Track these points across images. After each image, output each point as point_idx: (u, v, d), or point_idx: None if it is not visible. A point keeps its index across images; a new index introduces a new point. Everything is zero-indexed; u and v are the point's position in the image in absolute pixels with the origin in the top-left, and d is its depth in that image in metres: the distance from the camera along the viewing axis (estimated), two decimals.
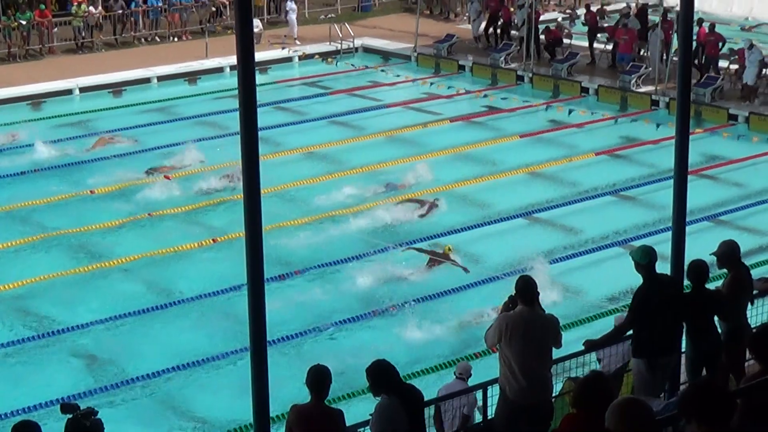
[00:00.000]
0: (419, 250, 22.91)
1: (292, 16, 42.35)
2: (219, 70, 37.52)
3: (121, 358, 18.72)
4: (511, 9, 40.60)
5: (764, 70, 32.94)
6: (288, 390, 12.60)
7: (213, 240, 23.38)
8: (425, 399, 10.87)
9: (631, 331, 12.41)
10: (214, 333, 19.49)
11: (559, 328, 11.59)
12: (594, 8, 39.83)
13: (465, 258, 22.64)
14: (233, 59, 9.15)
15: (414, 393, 10.42)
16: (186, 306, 20.50)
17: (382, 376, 10.18)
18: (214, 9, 43.91)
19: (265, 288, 9.35)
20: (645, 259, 12.13)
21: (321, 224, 24.45)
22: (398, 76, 38.03)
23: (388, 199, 25.84)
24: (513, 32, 39.86)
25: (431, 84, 36.97)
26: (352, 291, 21.26)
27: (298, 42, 41.68)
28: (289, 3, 42.75)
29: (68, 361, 18.84)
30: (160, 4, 42.24)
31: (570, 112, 33.19)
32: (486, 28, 40.76)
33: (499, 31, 40.46)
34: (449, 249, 22.85)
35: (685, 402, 6.77)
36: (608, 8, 41.89)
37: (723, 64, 34.67)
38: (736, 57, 33.98)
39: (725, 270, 13.23)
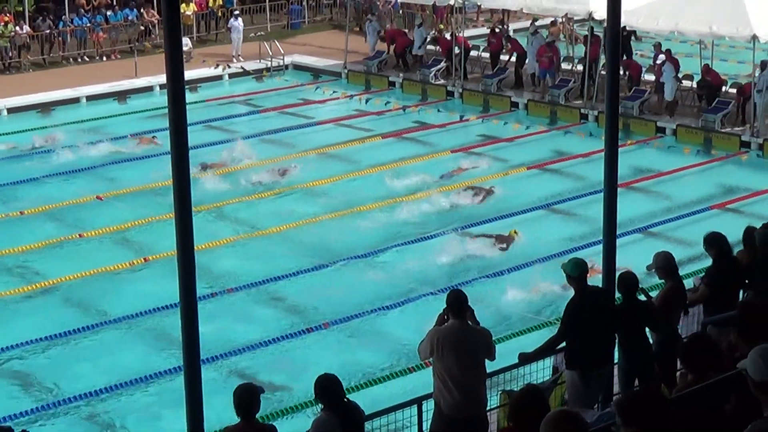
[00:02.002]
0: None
1: (236, 35, 42.21)
2: (148, 88, 37.36)
3: (55, 379, 18.52)
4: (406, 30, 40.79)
5: (679, 83, 33.36)
6: (226, 407, 12.48)
7: (145, 259, 23.23)
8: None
9: (564, 343, 12.51)
10: (148, 352, 19.36)
11: (491, 341, 11.65)
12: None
13: (390, 276, 22.67)
14: (163, 78, 9.11)
15: (354, 411, 10.38)
16: (118, 325, 20.33)
17: (324, 390, 10.14)
18: (143, 28, 43.72)
19: (197, 305, 9.31)
20: (576, 272, 12.24)
21: (253, 242, 24.41)
22: (335, 92, 38.09)
23: (332, 214, 25.86)
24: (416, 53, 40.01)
25: (367, 101, 37.02)
26: (287, 306, 21.24)
27: (242, 59, 41.59)
28: (233, 21, 42.63)
29: (0, 383, 18.62)
30: (88, 24, 41.98)
31: (505, 123, 33.39)
32: (395, 51, 40.91)
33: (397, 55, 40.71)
34: (515, 232, 23.86)
35: (625, 407, 6.82)
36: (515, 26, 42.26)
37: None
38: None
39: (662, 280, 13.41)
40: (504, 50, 39.00)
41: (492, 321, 18.77)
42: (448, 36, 39.54)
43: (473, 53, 39.43)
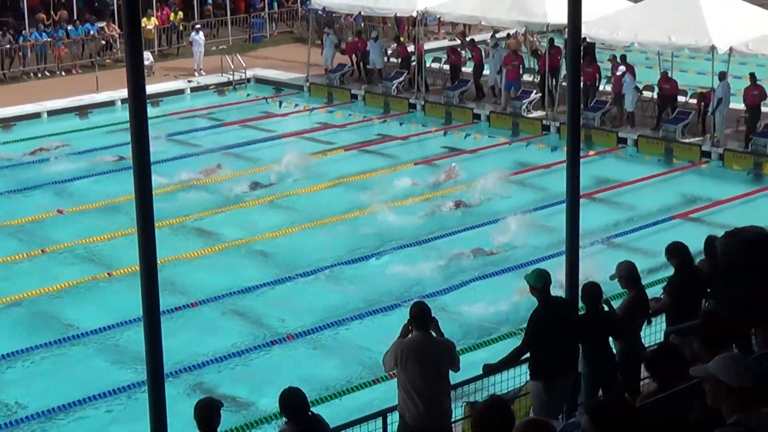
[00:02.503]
0: None
1: (197, 49, 42.13)
2: (110, 103, 37.23)
3: (18, 396, 18.40)
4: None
5: (640, 94, 33.54)
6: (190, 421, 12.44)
7: (108, 274, 23.13)
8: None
9: (528, 354, 12.54)
10: (112, 366, 19.29)
11: (455, 352, 11.68)
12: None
13: (354, 288, 22.68)
14: (124, 92, 9.09)
15: (319, 424, 10.36)
16: (82, 340, 20.23)
17: (289, 404, 10.13)
18: (104, 42, 43.58)
19: (161, 319, 9.29)
20: (540, 283, 12.29)
21: (217, 255, 24.38)
22: (297, 105, 38.10)
23: (289, 229, 25.86)
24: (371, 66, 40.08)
25: (330, 112, 37.05)
26: (251, 319, 21.23)
27: (203, 73, 41.54)
28: (194, 35, 42.54)
29: None
30: (49, 38, 41.80)
31: (466, 135, 33.47)
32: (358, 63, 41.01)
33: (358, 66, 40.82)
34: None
35: (596, 412, 6.85)
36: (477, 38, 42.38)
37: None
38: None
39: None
40: (464, 59, 39.11)
41: (457, 332, 18.88)
42: (411, 48, 39.62)
43: (435, 65, 39.48)
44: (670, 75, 34.12)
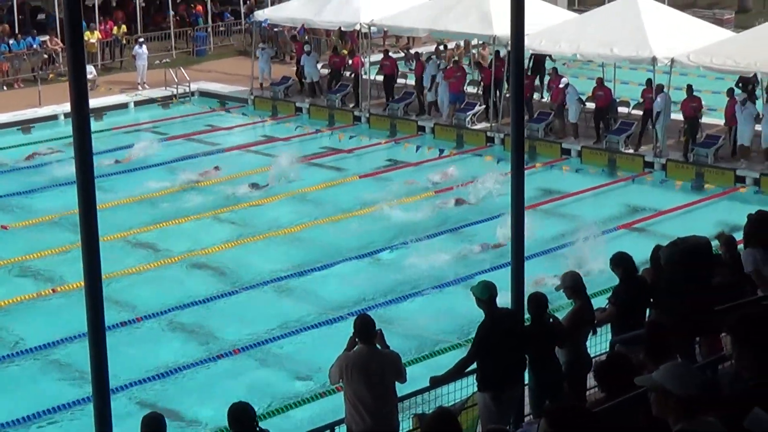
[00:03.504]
0: None
1: (141, 63, 41.92)
2: (53, 117, 36.98)
3: None
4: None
5: (583, 105, 33.76)
6: None
7: (53, 290, 22.95)
8: None
9: (474, 365, 12.57)
10: (57, 382, 19.14)
11: (400, 364, 11.70)
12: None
13: (300, 301, 22.64)
14: (67, 106, 9.05)
15: None
16: (27, 357, 20.06)
17: (236, 418, 10.09)
18: (46, 56, 43.28)
19: (106, 335, 9.23)
20: (486, 294, 12.33)
21: (162, 269, 24.26)
22: (244, 115, 38.02)
23: (240, 241, 25.82)
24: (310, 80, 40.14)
25: (277, 123, 37.02)
26: (197, 333, 21.14)
27: (147, 86, 41.37)
28: (137, 48, 42.33)
29: None
30: None
31: (417, 148, 33.50)
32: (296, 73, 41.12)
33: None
34: None
35: (554, 416, 6.87)
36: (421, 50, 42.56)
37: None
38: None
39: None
40: (401, 71, 39.24)
41: (403, 343, 18.88)
42: (350, 61, 39.69)
43: (379, 77, 39.55)
44: (607, 84, 34.40)
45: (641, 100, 33.19)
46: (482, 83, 36.52)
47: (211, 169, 31.20)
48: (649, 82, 32.67)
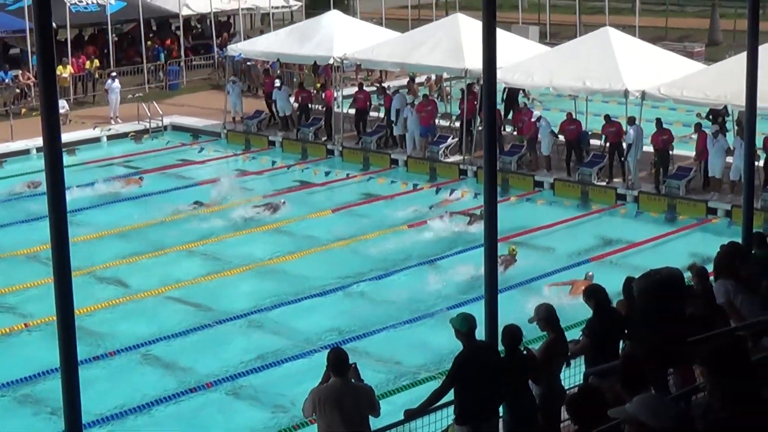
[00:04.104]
0: None
1: (113, 97, 41.86)
2: (25, 152, 36.91)
3: None
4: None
5: (555, 138, 33.89)
6: None
7: (25, 324, 22.83)
8: None
9: (451, 397, 12.56)
10: (30, 418, 19.03)
11: (373, 397, 11.70)
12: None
13: (274, 334, 22.61)
14: (40, 141, 9.02)
15: None
16: (1, 392, 19.96)
17: None
18: (18, 90, 43.22)
19: (78, 370, 9.19)
20: (465, 327, 12.34)
21: (134, 304, 24.19)
22: (217, 151, 38.01)
23: (214, 275, 25.76)
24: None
25: (251, 158, 37.04)
26: (170, 367, 21.06)
27: (119, 120, 41.32)
28: (110, 82, 42.28)
29: None
30: None
31: (392, 182, 33.51)
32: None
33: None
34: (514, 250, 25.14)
35: None
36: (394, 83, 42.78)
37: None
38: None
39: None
40: (371, 105, 39.34)
41: (378, 376, 18.89)
42: (323, 95, 39.74)
43: (351, 111, 39.60)
44: (579, 117, 34.58)
45: (603, 137, 33.30)
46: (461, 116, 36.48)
47: (191, 205, 31.16)
48: (607, 117, 32.91)
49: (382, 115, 39.01)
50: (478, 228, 24.79)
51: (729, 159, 30.52)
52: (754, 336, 12.78)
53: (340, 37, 38.66)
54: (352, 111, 39.15)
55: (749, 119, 16.29)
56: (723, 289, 13.57)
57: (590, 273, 23.98)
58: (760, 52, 16.13)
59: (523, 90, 38.23)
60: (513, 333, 12.81)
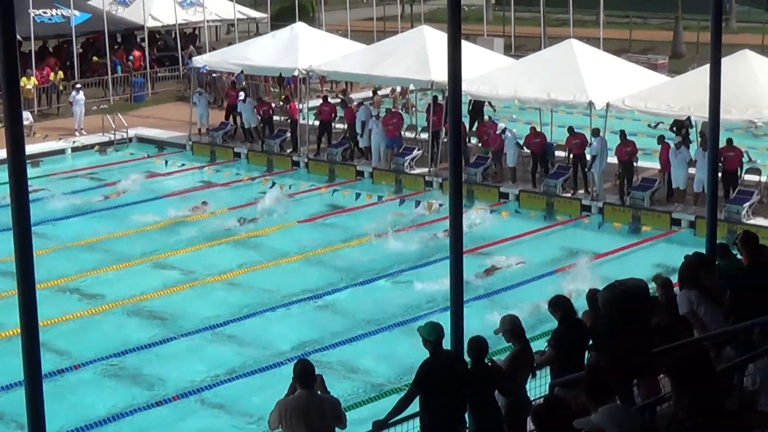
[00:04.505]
0: None
1: (78, 109, 41.69)
2: None
3: None
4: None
5: (521, 149, 33.97)
6: None
7: None
8: None
9: (417, 409, 12.55)
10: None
11: (340, 409, 11.68)
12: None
13: (244, 344, 22.56)
14: (3, 153, 8.98)
15: None
16: None
17: None
18: None
19: (42, 383, 9.13)
20: (433, 336, 12.36)
21: (100, 316, 24.08)
22: (182, 165, 37.92)
23: (180, 287, 25.71)
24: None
25: (216, 171, 36.99)
26: (136, 379, 20.96)
27: (84, 132, 41.15)
28: (74, 94, 42.10)
29: None
30: None
31: (357, 196, 33.47)
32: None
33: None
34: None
35: None
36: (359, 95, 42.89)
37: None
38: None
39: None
40: (336, 117, 39.37)
41: (345, 387, 18.89)
42: (290, 106, 39.68)
43: (317, 122, 39.52)
44: (544, 128, 34.68)
45: (567, 149, 33.44)
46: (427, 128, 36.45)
47: (199, 204, 31.59)
48: (570, 129, 33.12)
49: (345, 127, 38.92)
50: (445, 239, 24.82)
51: (692, 170, 30.69)
52: (716, 346, 12.86)
53: (306, 49, 38.68)
54: (318, 123, 39.13)
55: (712, 131, 16.38)
56: (686, 299, 13.66)
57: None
58: (723, 64, 16.23)
59: (489, 102, 38.32)
60: (479, 344, 12.81)
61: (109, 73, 48.11)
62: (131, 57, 51.04)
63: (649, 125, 34.51)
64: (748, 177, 31.23)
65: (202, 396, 20.12)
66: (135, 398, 20.09)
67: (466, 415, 12.81)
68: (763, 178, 31.01)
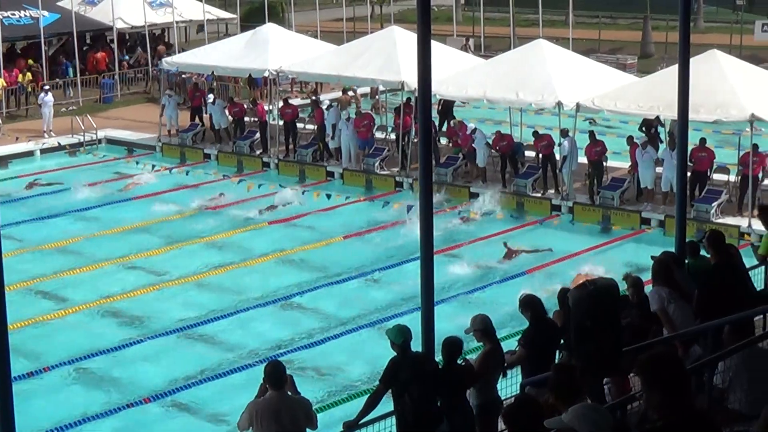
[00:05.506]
0: None
1: (47, 110, 41.49)
2: None
3: None
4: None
5: (491, 150, 34.01)
6: None
7: None
8: None
9: (390, 407, 12.56)
10: None
11: (311, 410, 11.70)
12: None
13: (215, 346, 22.52)
14: None
15: None
16: None
17: None
18: None
19: (12, 386, 9.11)
20: (400, 339, 12.38)
21: (69, 318, 23.99)
22: (154, 166, 37.87)
23: (145, 290, 25.61)
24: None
25: (187, 173, 36.97)
26: (106, 382, 20.91)
27: (53, 134, 40.97)
28: (43, 96, 41.88)
29: None
30: None
31: (329, 196, 33.46)
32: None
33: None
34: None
35: None
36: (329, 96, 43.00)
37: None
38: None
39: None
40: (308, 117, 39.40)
41: (316, 388, 18.88)
42: (258, 107, 39.62)
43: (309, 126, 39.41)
44: (514, 128, 34.73)
45: (537, 149, 33.52)
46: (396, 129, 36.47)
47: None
48: (536, 133, 33.31)
49: (313, 127, 38.85)
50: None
51: (659, 169, 30.79)
52: (684, 344, 12.93)
53: (276, 50, 38.61)
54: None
55: (681, 130, 16.46)
56: (657, 296, 13.73)
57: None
58: (692, 64, 16.31)
59: (464, 102, 38.35)
60: (453, 344, 12.85)
61: (79, 74, 47.87)
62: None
63: (585, 120, 34.46)
64: (716, 176, 31.36)
65: (173, 398, 20.07)
66: (105, 401, 20.03)
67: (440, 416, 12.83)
68: (732, 178, 31.12)
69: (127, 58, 52.71)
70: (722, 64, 30.77)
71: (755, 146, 29.74)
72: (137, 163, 38.27)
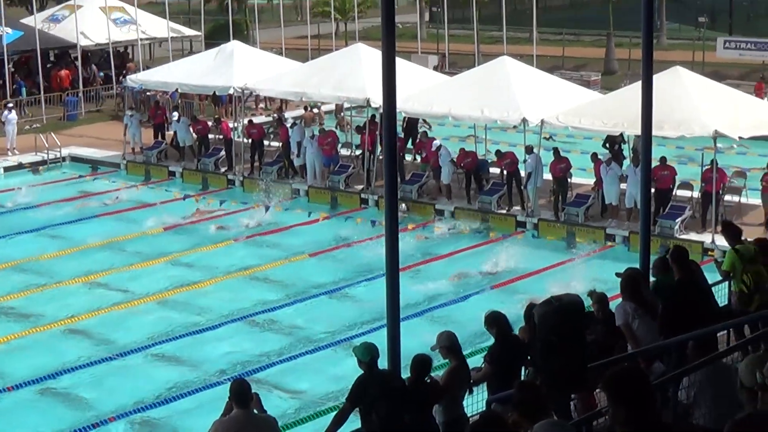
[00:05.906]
0: None
1: (10, 128, 41.28)
2: None
3: None
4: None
5: (456, 167, 34.08)
6: None
7: None
8: None
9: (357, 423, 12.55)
10: None
11: (277, 428, 11.68)
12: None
13: (180, 364, 22.44)
14: None
15: None
16: None
17: None
18: None
19: None
20: (367, 357, 12.37)
21: (34, 337, 23.85)
22: (114, 182, 37.70)
23: (110, 308, 25.49)
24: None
25: (150, 189, 36.84)
26: (72, 401, 20.77)
27: (17, 152, 40.79)
28: (6, 113, 41.69)
29: None
30: None
31: (286, 209, 33.45)
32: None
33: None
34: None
35: None
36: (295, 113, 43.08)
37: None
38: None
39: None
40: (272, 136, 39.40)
41: (283, 406, 18.84)
42: (222, 124, 39.56)
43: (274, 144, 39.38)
44: (479, 144, 34.84)
45: (501, 167, 33.62)
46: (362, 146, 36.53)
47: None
48: (498, 152, 33.55)
49: (277, 145, 38.83)
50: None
51: (624, 186, 30.94)
52: (646, 361, 12.97)
53: (241, 67, 38.62)
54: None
55: (644, 146, 16.54)
56: (622, 311, 13.78)
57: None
58: (655, 81, 16.41)
59: (424, 120, 38.42)
60: (422, 362, 12.85)
61: (42, 91, 47.67)
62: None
63: (544, 137, 34.65)
64: (680, 192, 31.53)
65: (140, 416, 19.99)
66: (71, 420, 19.91)
67: None
68: (695, 194, 31.31)
69: (102, 75, 52.54)
70: (685, 81, 30.98)
71: (715, 162, 29.90)
72: (101, 180, 38.07)
